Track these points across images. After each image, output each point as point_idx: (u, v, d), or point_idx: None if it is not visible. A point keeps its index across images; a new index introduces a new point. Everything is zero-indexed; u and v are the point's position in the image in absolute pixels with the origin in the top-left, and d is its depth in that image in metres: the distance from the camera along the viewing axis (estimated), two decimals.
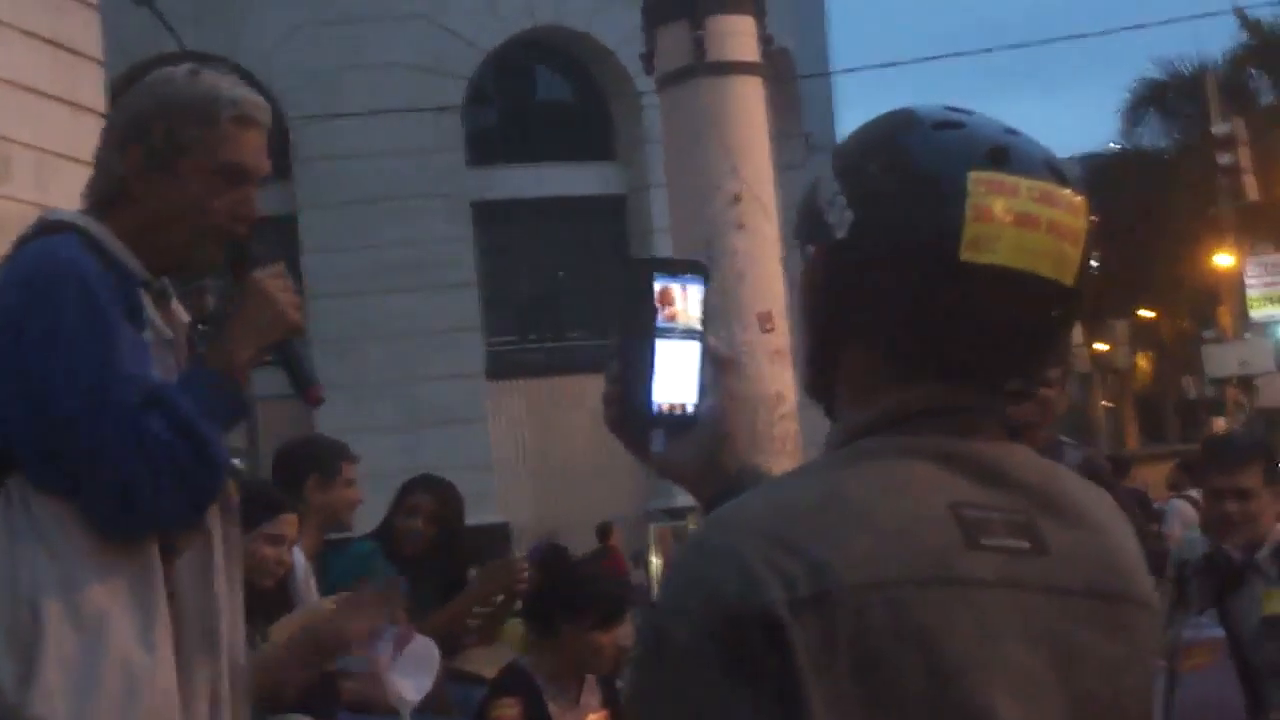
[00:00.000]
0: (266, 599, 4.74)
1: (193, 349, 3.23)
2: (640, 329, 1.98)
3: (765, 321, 10.77)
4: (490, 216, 28.58)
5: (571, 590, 5.64)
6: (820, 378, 1.86)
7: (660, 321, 1.99)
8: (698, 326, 2.01)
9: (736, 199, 10.64)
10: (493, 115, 29.47)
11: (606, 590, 5.69)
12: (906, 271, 1.73)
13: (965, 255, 1.71)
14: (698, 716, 1.61)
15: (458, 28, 28.23)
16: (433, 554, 6.43)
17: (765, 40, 11.47)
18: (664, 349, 1.99)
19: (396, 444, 24.22)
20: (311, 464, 5.84)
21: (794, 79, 28.99)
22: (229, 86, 3.19)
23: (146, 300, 3.11)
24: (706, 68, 10.98)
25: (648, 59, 11.45)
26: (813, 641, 1.60)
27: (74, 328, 2.91)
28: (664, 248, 11.26)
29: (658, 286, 2.00)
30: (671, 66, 11.24)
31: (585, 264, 28.58)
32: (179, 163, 3.11)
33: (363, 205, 27.58)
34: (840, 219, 1.77)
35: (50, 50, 11.14)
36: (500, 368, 28.04)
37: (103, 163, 3.17)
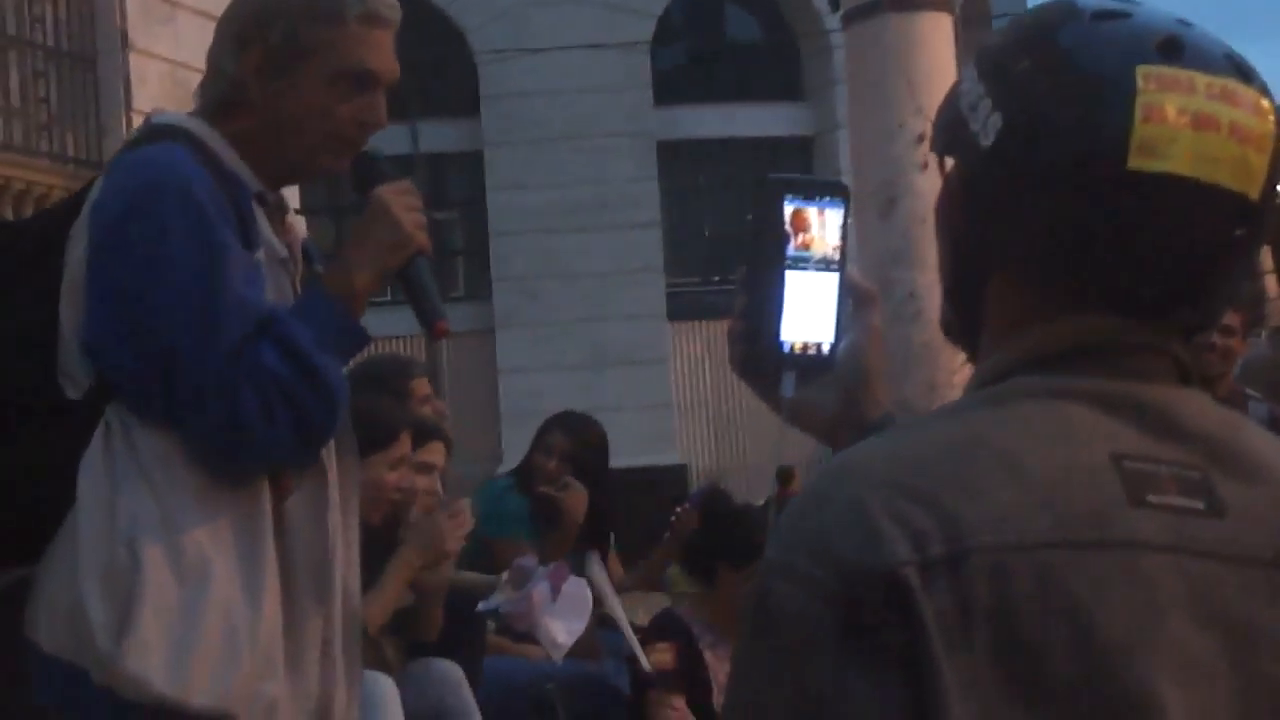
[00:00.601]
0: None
1: (309, 268, 3.02)
2: (769, 258, 1.78)
3: None
4: (675, 156, 28.39)
5: (731, 536, 5.48)
6: (962, 314, 1.65)
7: (792, 250, 1.78)
8: (835, 256, 1.80)
9: (921, 138, 10.33)
10: (680, 53, 29.24)
11: (745, 535, 5.52)
12: (1063, 183, 1.51)
13: (1133, 163, 1.48)
14: (804, 694, 1.40)
15: None
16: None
17: None
18: (796, 281, 1.79)
19: (578, 383, 24.23)
20: (377, 385, 5.53)
21: (989, 20, 28.40)
22: None
23: (260, 214, 2.88)
24: (893, 3, 10.69)
25: None
26: (945, 611, 1.38)
27: (179, 245, 2.68)
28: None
29: (789, 209, 1.78)
30: (857, 2, 10.96)
31: None
32: (300, 66, 2.87)
33: (548, 143, 27.51)
34: (985, 126, 1.55)
35: None
36: (682, 309, 27.87)
37: (216, 63, 2.92)
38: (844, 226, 1.80)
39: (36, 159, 11.57)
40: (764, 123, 28.43)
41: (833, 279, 1.80)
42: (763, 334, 1.78)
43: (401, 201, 2.88)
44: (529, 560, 5.07)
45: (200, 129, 2.86)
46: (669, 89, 28.58)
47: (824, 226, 1.79)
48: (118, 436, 2.70)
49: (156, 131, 2.86)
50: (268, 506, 2.79)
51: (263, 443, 2.70)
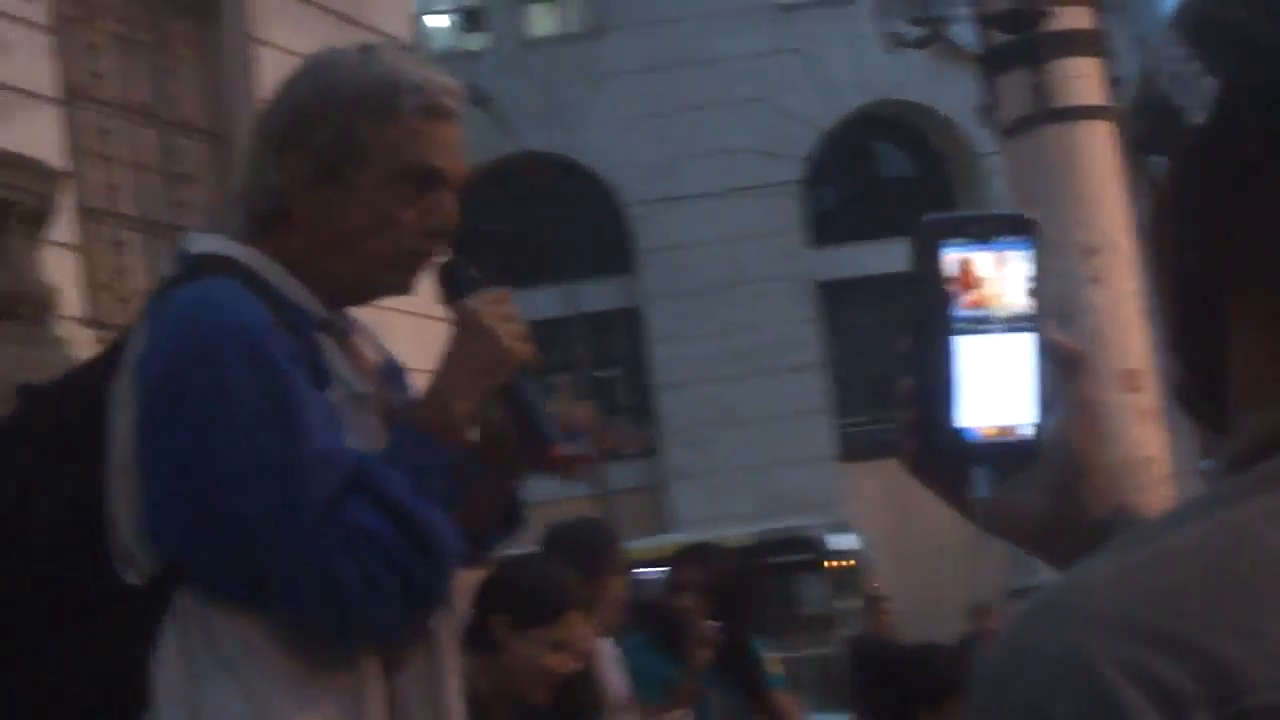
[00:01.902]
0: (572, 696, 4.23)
1: (397, 390, 2.60)
2: (935, 325, 1.38)
3: (1130, 381, 10.01)
4: (835, 296, 28.14)
5: (919, 679, 5.13)
6: (1196, 368, 1.19)
7: (962, 310, 1.38)
8: (1026, 312, 1.39)
9: (1091, 251, 9.92)
10: (831, 193, 29.08)
11: (938, 673, 5.16)
12: None
13: None
14: None
15: (793, 108, 27.96)
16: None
17: (1113, 82, 10.78)
18: (978, 349, 1.38)
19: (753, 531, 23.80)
20: (569, 551, 4.99)
21: None
22: (412, 68, 2.48)
23: (328, 345, 2.46)
24: (1050, 114, 10.34)
25: (985, 112, 10.85)
26: None
27: (243, 398, 2.27)
28: None
29: (954, 259, 1.38)
30: (1013, 116, 10.63)
31: None
32: (353, 169, 2.45)
33: (706, 292, 27.38)
34: (1195, 95, 1.12)
35: None
36: (854, 449, 27.44)
37: (255, 172, 2.48)
38: (1034, 271, 1.39)
39: None
40: None
41: (1026, 342, 1.39)
42: (940, 421, 1.39)
43: (495, 311, 2.45)
44: None
45: (247, 255, 2.44)
46: (823, 229, 28.39)
47: (1005, 275, 1.38)
48: (193, 625, 2.31)
49: (200, 264, 2.44)
50: (377, 685, 2.40)
51: (367, 617, 2.31)
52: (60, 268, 9.50)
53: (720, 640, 5.69)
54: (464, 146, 2.52)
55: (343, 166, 2.44)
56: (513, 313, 2.46)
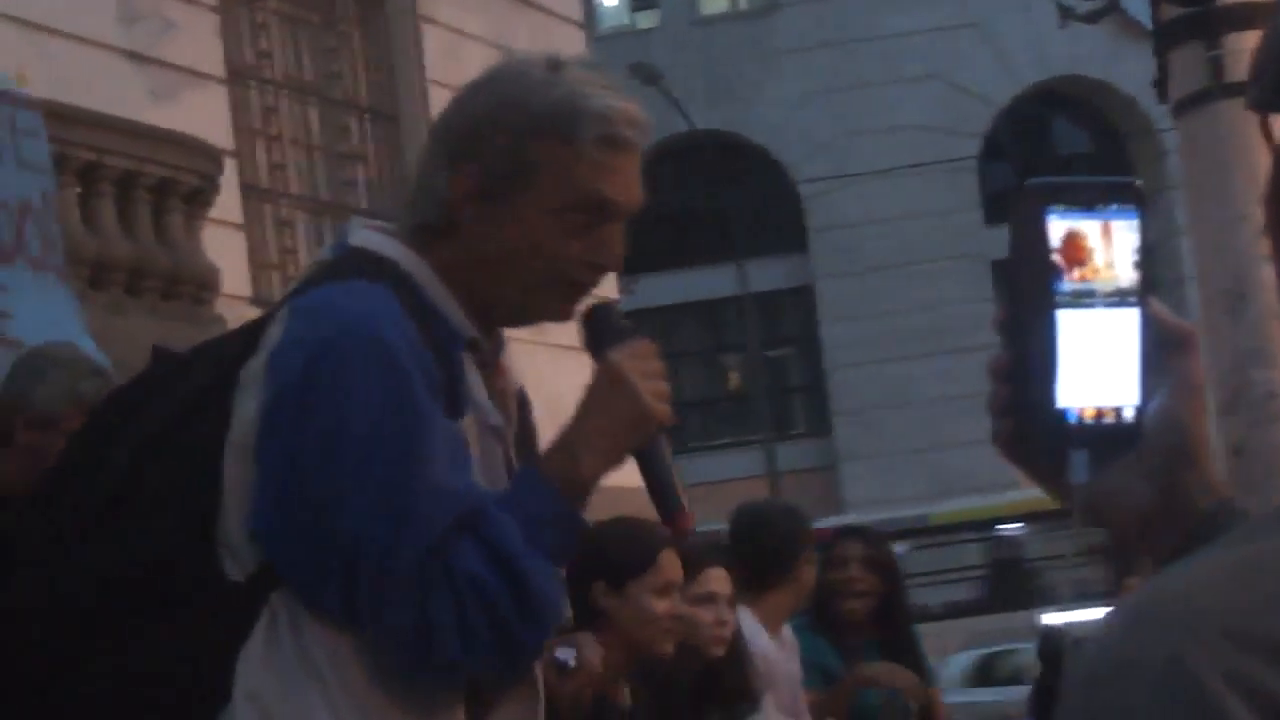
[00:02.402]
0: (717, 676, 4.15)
1: (530, 434, 2.50)
2: (1036, 298, 1.29)
3: None
4: None
5: None
6: None
7: (1067, 283, 1.29)
8: (1132, 286, 1.30)
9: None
10: (1008, 171, 28.69)
11: None
12: None
13: None
14: None
15: (970, 84, 27.62)
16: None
17: None
18: (1079, 324, 1.29)
19: (920, 514, 23.56)
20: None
21: None
22: (597, 93, 2.36)
23: (470, 367, 2.36)
24: (1226, 89, 10.01)
25: (1160, 86, 10.57)
26: None
27: (368, 414, 2.20)
28: (1195, 294, 10.34)
29: (1060, 228, 1.28)
30: (1187, 91, 10.33)
31: None
32: (522, 191, 2.35)
33: (879, 271, 27.17)
34: None
35: None
36: None
37: (426, 178, 2.40)
38: (1141, 242, 1.30)
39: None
40: None
41: (1131, 318, 1.30)
42: (1037, 400, 1.30)
43: (640, 367, 2.34)
44: None
45: (406, 259, 2.36)
46: (1000, 207, 28.01)
47: (1111, 246, 1.29)
48: (285, 631, 2.26)
49: (355, 261, 2.37)
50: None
51: (457, 659, 2.23)
52: (226, 247, 9.59)
53: (881, 621, 5.57)
54: (639, 178, 2.42)
55: (510, 186, 2.35)
56: (657, 369, 2.36)
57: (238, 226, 10.43)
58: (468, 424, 2.32)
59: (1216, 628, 0.93)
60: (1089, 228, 1.28)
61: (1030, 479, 1.35)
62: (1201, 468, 1.31)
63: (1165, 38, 10.60)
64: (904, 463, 26.30)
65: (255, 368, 2.27)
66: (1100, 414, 1.30)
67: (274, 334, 2.28)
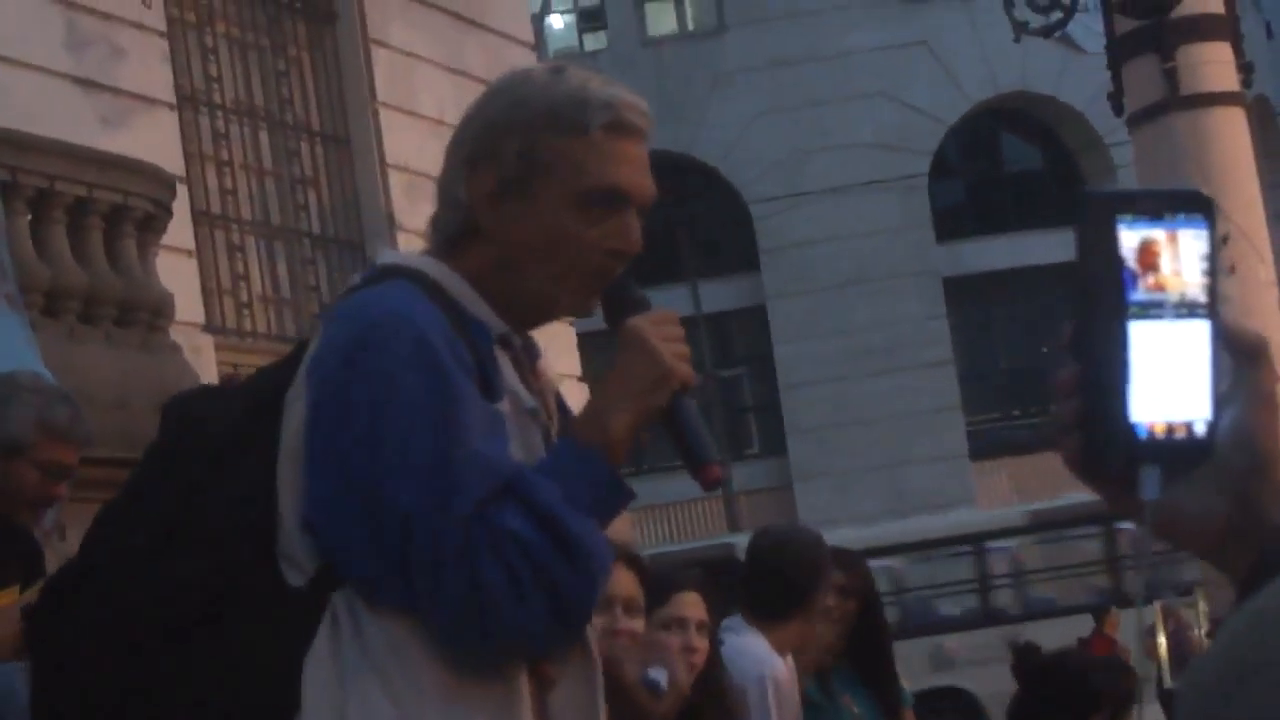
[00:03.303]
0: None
1: (564, 418, 2.59)
2: (1106, 308, 1.26)
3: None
4: (963, 292, 27.84)
5: (1062, 693, 4.97)
6: None
7: (1139, 294, 1.25)
8: (1202, 297, 1.27)
9: (1224, 240, 9.65)
10: (959, 187, 28.79)
11: (1101, 685, 4.99)
12: None
13: None
14: None
15: (919, 102, 27.71)
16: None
17: (1244, 69, 10.47)
18: (1149, 336, 1.26)
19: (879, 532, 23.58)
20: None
21: (1273, 118, 27.39)
22: (601, 85, 2.49)
23: (503, 359, 2.47)
24: (1181, 101, 10.05)
25: (1115, 99, 10.59)
26: None
27: (408, 398, 2.31)
28: None
29: (1132, 238, 1.25)
30: (1142, 104, 10.35)
31: None
32: (538, 186, 2.45)
33: (831, 290, 27.21)
34: None
35: None
36: (984, 447, 27.14)
37: (447, 191, 2.50)
38: (1211, 253, 1.27)
39: None
40: (1051, 249, 27.73)
41: (1201, 330, 1.27)
42: (1107, 415, 1.26)
43: (659, 331, 2.43)
44: None
45: (432, 267, 2.46)
46: (950, 224, 28.09)
47: (1179, 256, 1.26)
48: (346, 629, 2.34)
49: (382, 273, 2.48)
50: (527, 705, 2.38)
51: (511, 621, 2.30)
52: (177, 274, 9.49)
53: (858, 646, 5.54)
54: (649, 168, 2.51)
55: (527, 182, 2.45)
56: (677, 333, 2.46)
57: (189, 253, 10.32)
58: (504, 407, 2.41)
59: None
60: (1157, 237, 1.26)
61: (1099, 495, 1.32)
62: (1275, 481, 1.28)
63: (1120, 51, 10.63)
64: (860, 481, 26.32)
65: (298, 381, 2.39)
66: (1171, 429, 1.27)
67: (312, 347, 2.41)
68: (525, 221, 2.44)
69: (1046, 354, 28.00)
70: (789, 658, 5.09)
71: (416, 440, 2.30)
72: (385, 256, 2.56)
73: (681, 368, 2.43)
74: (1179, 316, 1.26)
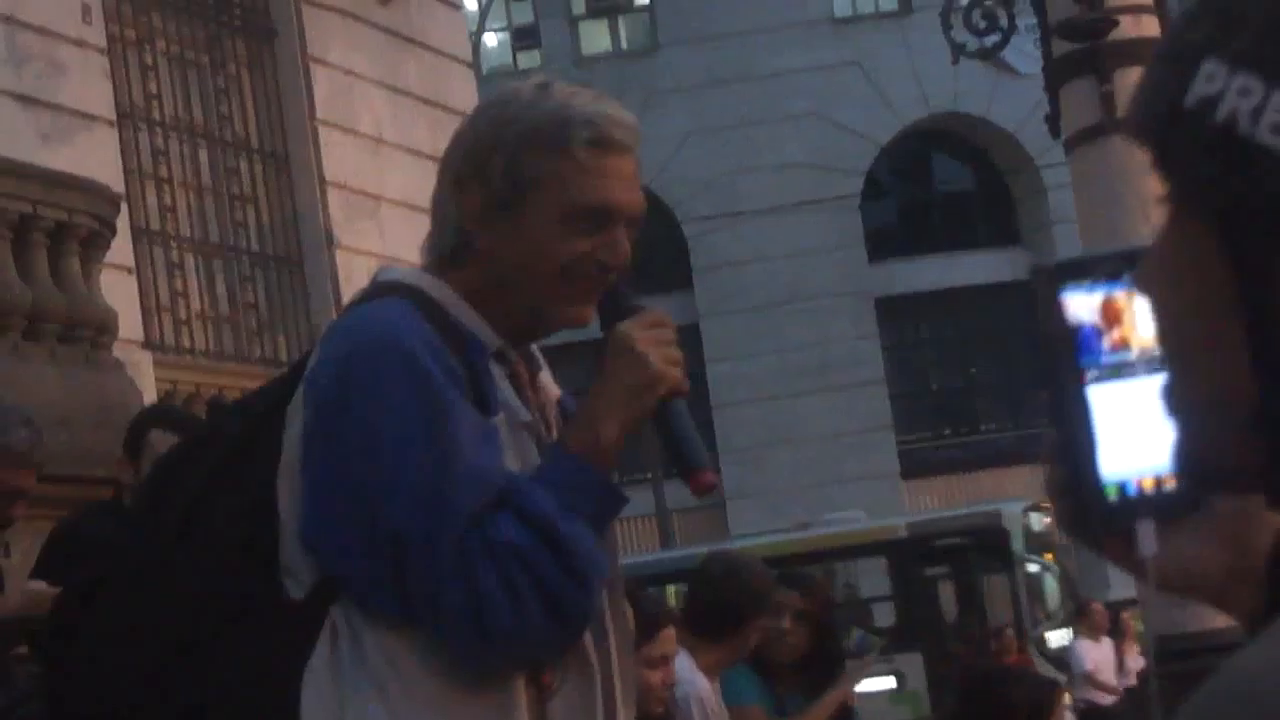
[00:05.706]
0: None
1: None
2: (1067, 376, 1.29)
3: None
4: (895, 311, 27.96)
5: (994, 706, 5.06)
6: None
7: (1108, 356, 1.28)
8: None
9: None
10: (891, 208, 28.92)
11: (1029, 694, 5.09)
12: None
13: None
14: None
15: (851, 122, 27.83)
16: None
17: None
18: (1121, 396, 1.28)
19: None
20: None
21: None
22: (586, 102, 2.49)
23: (498, 374, 2.48)
24: (1118, 124, 10.15)
25: (1052, 121, 10.70)
26: None
27: (400, 414, 2.33)
28: None
29: (1092, 301, 1.28)
30: (1079, 126, 10.46)
31: (997, 354, 27.68)
32: (525, 204, 2.46)
33: (764, 309, 27.27)
34: (1262, 123, 1.01)
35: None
36: (915, 466, 27.24)
37: (439, 211, 2.54)
38: None
39: (250, 365, 11.43)
40: (982, 270, 27.95)
41: None
42: (1089, 479, 1.28)
43: (650, 335, 2.44)
44: None
45: (428, 284, 2.49)
46: (882, 244, 28.21)
47: (1137, 313, 1.27)
48: (345, 641, 2.36)
49: (379, 289, 2.51)
50: (525, 715, 2.38)
51: (509, 629, 2.31)
52: (117, 291, 9.44)
53: (813, 665, 5.64)
54: (637, 181, 2.53)
55: (515, 200, 2.47)
56: (669, 337, 2.47)
57: (128, 270, 10.27)
58: (499, 422, 2.42)
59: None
60: (1115, 298, 1.27)
61: (1103, 558, 1.33)
62: (1265, 518, 1.27)
63: (1057, 74, 10.72)
64: (791, 499, 26.35)
65: (297, 397, 2.43)
66: (1160, 482, 1.28)
67: (310, 362, 2.44)
68: (515, 239, 2.46)
69: (975, 374, 28.17)
70: (715, 682, 5.16)
71: (408, 456, 2.32)
72: (383, 273, 2.58)
73: (671, 372, 2.43)
74: (1151, 371, 1.27)
